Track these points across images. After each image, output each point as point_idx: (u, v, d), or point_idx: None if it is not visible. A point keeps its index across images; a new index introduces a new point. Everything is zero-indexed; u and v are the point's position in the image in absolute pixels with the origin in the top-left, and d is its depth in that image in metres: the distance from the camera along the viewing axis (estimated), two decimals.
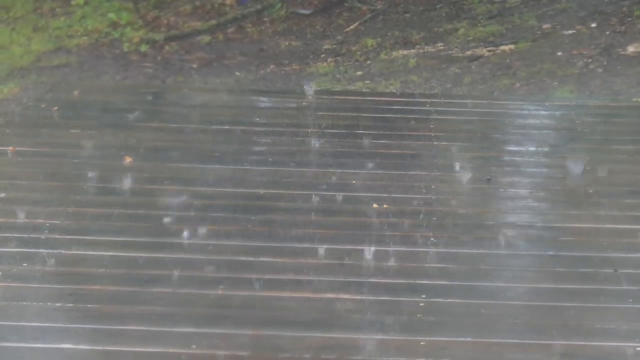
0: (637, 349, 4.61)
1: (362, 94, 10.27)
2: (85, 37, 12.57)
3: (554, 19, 12.48)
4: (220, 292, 5.42)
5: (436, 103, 9.84)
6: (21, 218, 6.40)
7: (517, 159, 8.21)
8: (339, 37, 12.24)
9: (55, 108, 9.32)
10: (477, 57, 11.26)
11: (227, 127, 8.60)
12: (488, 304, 5.34)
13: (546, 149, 8.44)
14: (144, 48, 12.04)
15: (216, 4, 13.63)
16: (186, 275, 5.61)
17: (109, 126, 8.60)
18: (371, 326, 4.96)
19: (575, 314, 5.17)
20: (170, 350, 4.57)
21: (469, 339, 4.81)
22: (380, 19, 12.78)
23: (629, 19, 12.22)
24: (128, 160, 7.40)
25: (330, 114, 9.23)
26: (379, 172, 7.28)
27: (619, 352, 4.68)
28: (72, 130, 8.50)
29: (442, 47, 11.72)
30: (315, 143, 8.25)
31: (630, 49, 11.34)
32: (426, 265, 5.80)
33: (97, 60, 11.66)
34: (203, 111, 9.18)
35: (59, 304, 5.19)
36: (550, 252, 6.25)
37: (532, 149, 8.52)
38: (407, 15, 12.85)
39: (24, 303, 5.11)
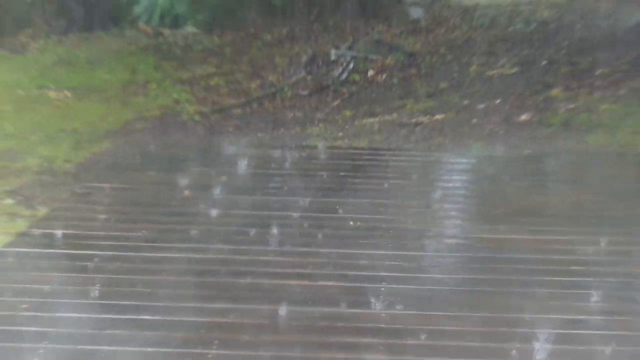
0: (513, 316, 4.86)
1: (342, 148, 10.37)
2: (157, 110, 12.63)
3: (471, 97, 12.53)
4: (249, 280, 5.46)
5: (392, 154, 10.01)
6: (116, 230, 6.45)
7: (446, 191, 8.26)
8: (327, 110, 12.34)
9: (138, 158, 9.34)
10: (419, 123, 11.38)
11: (252, 170, 8.63)
12: (428, 288, 5.43)
13: (465, 184, 8.52)
14: (196, 117, 12.11)
15: (245, 88, 13.67)
16: (223, 269, 5.68)
17: (174, 170, 8.69)
18: (349, 304, 5.01)
19: (487, 295, 5.20)
20: (216, 319, 4.60)
21: (415, 312, 4.83)
22: (354, 97, 12.86)
23: (522, 97, 12.25)
24: (186, 193, 7.42)
25: (320, 161, 9.31)
26: (354, 200, 7.39)
27: (519, 320, 4.76)
28: (149, 172, 8.64)
29: (396, 116, 11.85)
30: (310, 180, 8.37)
31: (523, 117, 11.39)
32: (386, 262, 5.83)
33: (165, 126, 11.72)
34: (236, 159, 9.25)
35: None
36: (469, 254, 6.30)
37: (456, 184, 8.58)
38: (373, 95, 12.93)
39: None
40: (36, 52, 18.21)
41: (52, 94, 14.11)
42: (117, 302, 5.28)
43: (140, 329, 4.89)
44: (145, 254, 6.18)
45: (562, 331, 4.82)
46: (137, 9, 18.30)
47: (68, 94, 14.03)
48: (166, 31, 18.19)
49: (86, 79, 15.01)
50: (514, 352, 4.58)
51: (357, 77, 13.78)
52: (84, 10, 20.02)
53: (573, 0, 20.15)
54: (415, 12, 17.47)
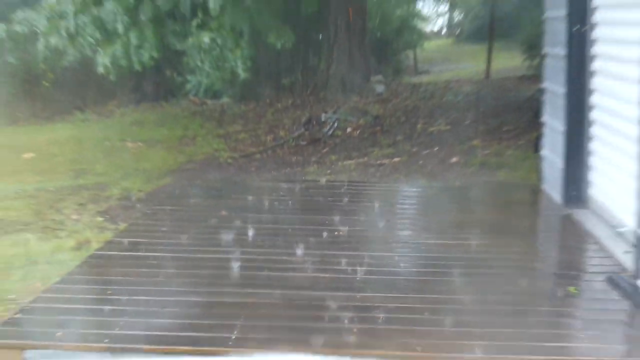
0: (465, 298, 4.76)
1: (329, 181, 10.36)
2: (202, 156, 12.73)
3: (418, 146, 12.55)
4: (265, 273, 5.47)
5: (364, 185, 10.04)
6: (173, 239, 6.50)
7: (401, 211, 8.25)
8: (319, 155, 12.39)
9: (188, 188, 9.34)
10: (382, 164, 11.43)
11: (267, 196, 8.61)
12: (387, 277, 5.42)
13: (414, 206, 8.49)
14: (229, 160, 12.17)
15: (262, 140, 13.69)
16: (247, 265, 5.69)
17: (213, 197, 8.64)
18: (333, 289, 5.33)
19: (433, 283, 5.32)
20: (242, 300, 4.59)
21: (382, 295, 4.97)
22: (337, 146, 12.89)
23: (453, 146, 12.26)
24: (224, 213, 7.40)
25: (314, 190, 9.29)
26: (338, 217, 7.35)
27: (457, 301, 4.79)
28: (196, 199, 8.58)
29: (366, 160, 11.93)
30: (307, 203, 8.39)
31: (453, 160, 11.40)
32: (359, 259, 5.84)
33: (208, 166, 11.75)
34: (257, 190, 9.22)
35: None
36: (416, 254, 6.32)
37: (408, 206, 8.55)
38: (350, 145, 12.96)
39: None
40: (119, 116, 18.29)
41: (129, 144, 14.14)
42: (174, 289, 5.32)
43: (189, 307, 4.94)
44: (193, 255, 6.20)
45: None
46: (188, 86, 18.36)
47: (141, 144, 14.07)
48: (208, 101, 18.27)
49: (153, 134, 15.05)
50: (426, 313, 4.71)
51: (339, 132, 13.82)
52: (152, 87, 20.08)
53: (487, 79, 20.26)
54: (379, 88, 17.50)
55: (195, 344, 4.36)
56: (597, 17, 7.10)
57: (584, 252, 6.42)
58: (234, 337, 4.44)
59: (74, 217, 8.51)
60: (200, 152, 13.24)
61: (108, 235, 7.49)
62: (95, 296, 5.28)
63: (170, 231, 7.18)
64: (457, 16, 37.58)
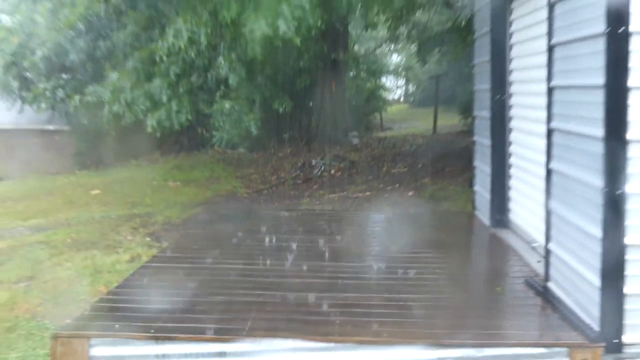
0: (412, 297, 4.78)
1: (318, 210, 10.28)
2: (224, 192, 12.66)
3: (384, 184, 12.52)
4: (271, 279, 5.42)
5: (344, 213, 9.92)
6: (203, 253, 6.40)
7: (372, 232, 8.19)
8: (311, 191, 12.35)
9: (215, 216, 9.30)
10: (357, 197, 11.33)
11: (272, 221, 8.58)
12: (364, 282, 5.38)
13: (381, 228, 8.45)
14: (245, 195, 12.07)
15: (269, 180, 13.66)
16: (257, 272, 5.68)
17: (233, 222, 8.59)
18: (322, 290, 5.05)
19: (395, 286, 5.17)
20: (254, 300, 4.63)
21: (357, 294, 4.82)
22: (325, 184, 12.84)
23: (409, 183, 12.25)
24: (240, 234, 7.38)
25: (307, 217, 9.23)
26: (325, 236, 7.29)
27: (412, 299, 4.74)
28: (221, 223, 8.49)
29: (345, 194, 11.82)
30: (302, 226, 8.33)
31: (409, 194, 11.38)
32: (341, 269, 5.77)
33: (228, 199, 11.69)
34: (265, 217, 9.18)
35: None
36: (380, 264, 6.26)
37: (377, 228, 8.50)
38: (334, 183, 12.92)
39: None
40: (162, 162, 18.27)
41: (170, 183, 14.11)
42: (203, 291, 5.31)
43: (214, 305, 4.93)
44: (217, 265, 6.18)
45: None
46: (214, 140, 18.31)
47: (179, 183, 14.03)
48: (228, 151, 18.26)
49: (188, 176, 15.04)
50: (389, 309, 4.68)
51: (326, 173, 13.81)
52: (187, 140, 20.11)
53: (434, 134, 20.33)
54: (355, 140, 17.58)
55: (218, 332, 4.37)
56: (512, 89, 7.19)
57: (506, 262, 6.43)
58: (247, 327, 4.44)
59: (129, 237, 8.47)
60: (223, 189, 13.24)
61: (154, 251, 7.45)
62: (144, 297, 5.26)
63: (201, 248, 7.16)
64: (411, 88, 37.81)
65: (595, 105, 4.23)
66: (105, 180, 15.34)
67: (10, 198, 13.72)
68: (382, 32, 16.91)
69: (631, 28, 3.98)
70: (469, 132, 13.04)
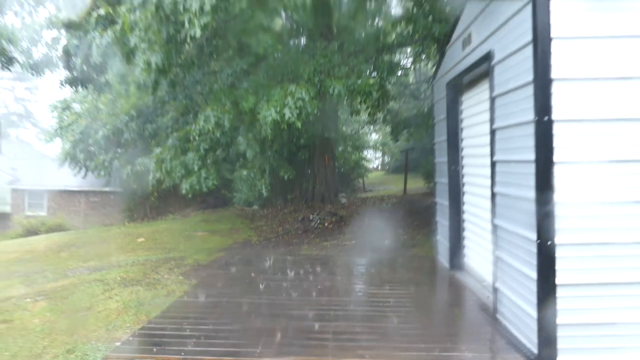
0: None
1: (314, 255, 10.13)
2: (242, 240, 12.49)
3: (367, 234, 12.39)
4: (277, 311, 5.25)
5: (335, 257, 9.70)
6: (225, 289, 6.31)
7: (356, 273, 8.06)
8: (309, 239, 12.17)
9: (234, 259, 9.16)
10: (345, 245, 11.19)
11: (279, 264, 8.46)
12: (351, 313, 5.24)
13: (362, 270, 8.29)
14: (257, 242, 11.92)
15: (276, 230, 13.53)
16: (265, 304, 5.47)
17: (249, 264, 8.45)
18: (315, 319, 4.84)
19: (372, 316, 5.02)
20: (264, 326, 4.39)
21: (345, 323, 4.73)
22: (320, 234, 12.71)
23: (387, 234, 12.13)
24: (253, 274, 7.25)
25: (306, 260, 9.09)
26: (319, 275, 7.16)
27: (386, 328, 4.63)
28: (238, 265, 8.37)
29: (335, 242, 11.66)
30: (302, 267, 8.16)
31: (386, 242, 11.23)
32: (331, 301, 5.66)
33: (244, 246, 11.55)
34: (273, 260, 9.02)
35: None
36: (368, 299, 6.13)
37: (361, 269, 8.35)
38: (327, 233, 12.80)
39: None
40: (193, 217, 18.14)
41: (199, 233, 13.97)
42: (224, 320, 5.20)
43: (232, 332, 4.82)
44: (235, 300, 6.08)
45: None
46: (234, 199, 18.35)
47: (206, 233, 13.89)
48: (245, 208, 18.21)
49: (213, 227, 14.91)
50: (369, 335, 4.55)
51: (321, 226, 13.70)
52: (213, 200, 20.06)
53: (405, 194, 20.33)
54: (343, 200, 17.56)
55: (236, 355, 4.26)
56: (464, 162, 7.23)
57: (462, 297, 6.32)
58: (258, 350, 4.34)
59: (166, 276, 8.33)
60: (240, 237, 13.10)
61: (186, 287, 7.30)
62: (177, 325, 5.14)
63: (222, 285, 7.04)
64: (386, 159, 38.07)
65: (529, 175, 4.26)
66: (148, 231, 15.21)
67: (74, 245, 13.62)
68: (363, 116, 17.10)
69: (554, 117, 4.05)
70: (431, 193, 13.03)
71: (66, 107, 19.94)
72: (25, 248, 13.84)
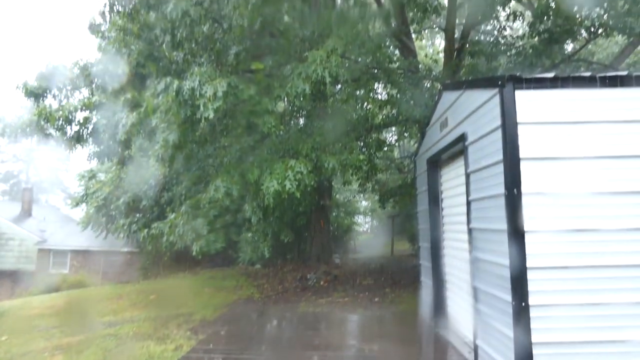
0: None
1: (310, 311, 9.86)
2: (245, 296, 12.18)
3: (358, 292, 12.14)
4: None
5: (329, 314, 9.44)
6: (232, 339, 6.08)
7: (348, 328, 7.84)
8: (306, 297, 11.88)
9: (238, 314, 8.92)
10: (338, 302, 10.93)
11: (278, 317, 8.23)
12: None
13: (354, 325, 8.04)
14: (258, 298, 11.62)
15: (276, 288, 13.25)
16: (267, 352, 5.31)
17: (251, 320, 8.22)
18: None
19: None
20: None
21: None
22: (316, 292, 12.43)
23: (375, 292, 11.90)
24: (255, 330, 7.03)
25: (304, 315, 8.85)
26: (317, 330, 6.93)
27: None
28: (243, 320, 8.13)
29: (331, 299, 11.38)
30: (301, 320, 7.93)
31: (375, 299, 10.98)
32: (325, 356, 5.47)
33: (247, 302, 11.26)
34: (274, 316, 8.78)
35: None
36: (358, 354, 5.90)
37: (353, 324, 8.14)
38: (322, 290, 12.53)
39: None
40: (202, 274, 17.79)
41: (206, 290, 13.66)
42: None
43: None
44: (241, 355, 5.88)
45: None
46: (239, 259, 18.11)
47: (213, 290, 13.60)
48: (250, 267, 17.93)
49: (219, 284, 14.59)
50: None
51: (317, 284, 13.46)
52: (220, 259, 19.77)
53: (392, 255, 20.11)
54: (337, 260, 17.36)
55: None
56: (444, 228, 7.22)
57: (445, 352, 6.14)
58: None
59: (175, 331, 8.07)
60: (244, 294, 12.81)
61: (193, 342, 7.06)
62: None
63: (226, 341, 6.84)
64: (375, 223, 37.94)
65: (502, 242, 4.25)
66: (160, 288, 14.90)
67: (91, 300, 13.32)
68: (355, 186, 17.22)
69: (523, 190, 4.09)
70: (416, 255, 12.92)
71: (92, 176, 20.07)
72: (47, 304, 13.48)
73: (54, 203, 49.39)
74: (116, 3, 9.93)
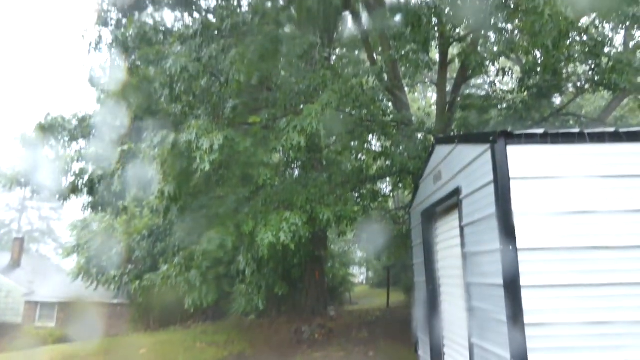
0: None
1: (311, 357, 9.58)
2: (236, 351, 11.82)
3: (353, 345, 11.84)
4: None
5: (325, 357, 9.09)
6: None
7: None
8: (301, 350, 11.57)
9: None
10: (331, 357, 10.59)
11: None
12: None
13: None
14: (250, 355, 11.21)
15: (269, 342, 12.87)
16: None
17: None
18: None
19: None
20: None
21: None
22: (312, 346, 12.10)
23: (372, 345, 11.62)
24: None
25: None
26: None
27: None
28: None
29: (326, 353, 11.04)
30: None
31: (370, 353, 10.70)
32: None
33: (239, 358, 10.87)
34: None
35: None
36: None
37: None
38: (317, 344, 12.22)
39: None
40: (193, 328, 17.34)
41: (198, 344, 13.30)
42: None
43: None
44: None
45: None
46: (232, 310, 17.69)
47: (205, 344, 13.21)
48: (243, 317, 17.46)
49: (211, 339, 14.20)
50: None
51: (312, 337, 13.15)
52: (212, 312, 19.32)
53: (388, 308, 19.77)
54: (332, 312, 16.99)
55: None
56: (440, 282, 7.15)
57: None
58: None
59: None
60: (236, 350, 12.42)
61: None
62: None
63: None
64: (371, 274, 37.59)
65: (499, 297, 4.22)
66: (151, 342, 14.46)
67: (77, 356, 12.87)
68: (350, 236, 17.14)
69: (518, 246, 4.11)
70: (412, 307, 12.74)
71: (85, 226, 19.92)
72: None
73: (45, 252, 48.68)
74: (117, 59, 10.21)
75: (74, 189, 10.54)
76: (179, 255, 10.77)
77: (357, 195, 11.01)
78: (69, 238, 21.98)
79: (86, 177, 10.33)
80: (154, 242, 15.28)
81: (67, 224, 22.14)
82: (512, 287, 4.05)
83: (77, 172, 10.55)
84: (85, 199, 11.58)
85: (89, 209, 11.58)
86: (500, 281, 4.14)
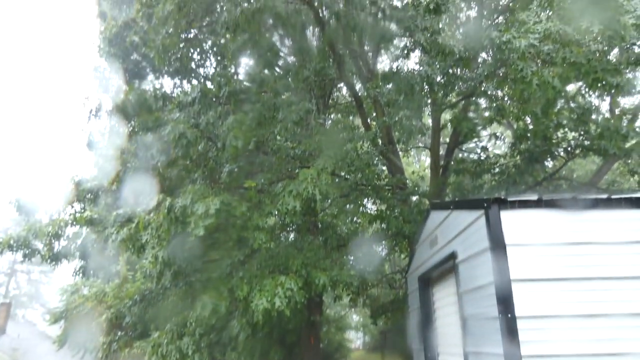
0: None
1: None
2: None
3: None
4: None
5: None
6: None
7: None
8: None
9: None
10: None
11: None
12: None
13: None
14: None
15: None
16: None
17: None
18: None
19: None
20: None
21: None
22: None
23: None
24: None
25: None
26: None
27: None
28: None
29: None
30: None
31: None
32: None
33: None
34: None
35: None
36: None
37: None
38: None
39: None
40: None
41: None
42: None
43: None
44: None
45: None
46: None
47: None
48: None
49: None
50: None
51: None
52: None
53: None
54: None
55: None
56: (439, 350, 6.96)
57: None
58: None
59: None
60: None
61: None
62: None
63: None
64: (367, 339, 36.51)
65: None
66: None
67: None
68: (346, 301, 16.78)
69: (517, 314, 4.05)
70: None
71: (75, 290, 19.42)
72: None
73: (32, 318, 47.12)
74: (116, 124, 10.40)
75: (67, 253, 10.39)
76: (171, 321, 10.45)
77: (352, 258, 10.90)
78: (57, 303, 21.37)
79: (79, 241, 10.22)
80: (146, 307, 14.84)
81: (57, 288, 21.62)
82: (511, 356, 3.95)
83: (71, 236, 10.44)
84: (77, 263, 11.39)
85: (81, 274, 11.37)
86: (500, 350, 4.05)
